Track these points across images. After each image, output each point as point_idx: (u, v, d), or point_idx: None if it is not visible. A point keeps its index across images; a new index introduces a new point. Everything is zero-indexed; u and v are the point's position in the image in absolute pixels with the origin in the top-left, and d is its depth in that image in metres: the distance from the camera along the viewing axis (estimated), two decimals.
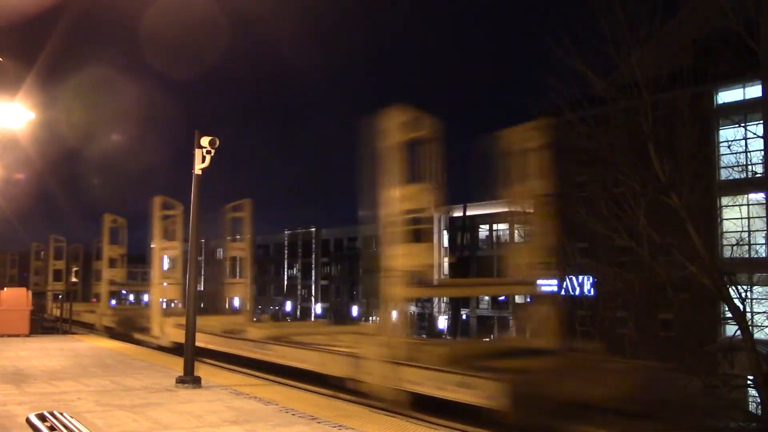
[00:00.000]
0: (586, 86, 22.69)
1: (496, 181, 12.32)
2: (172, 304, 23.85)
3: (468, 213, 61.00)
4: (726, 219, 30.90)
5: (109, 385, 11.98)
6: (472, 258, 61.27)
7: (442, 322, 67.07)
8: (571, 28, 26.74)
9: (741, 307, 20.99)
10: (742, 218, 30.97)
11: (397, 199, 11.09)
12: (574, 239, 25.45)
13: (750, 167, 28.68)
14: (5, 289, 24.61)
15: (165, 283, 21.80)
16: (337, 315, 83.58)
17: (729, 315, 22.35)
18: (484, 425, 9.26)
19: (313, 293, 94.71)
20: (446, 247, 74.67)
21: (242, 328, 17.78)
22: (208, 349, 16.32)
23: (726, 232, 30.58)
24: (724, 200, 30.66)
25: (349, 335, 14.77)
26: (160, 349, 19.53)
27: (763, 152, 28.15)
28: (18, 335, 21.60)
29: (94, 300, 35.73)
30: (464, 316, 62.42)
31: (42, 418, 7.81)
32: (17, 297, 22.57)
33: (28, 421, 7.88)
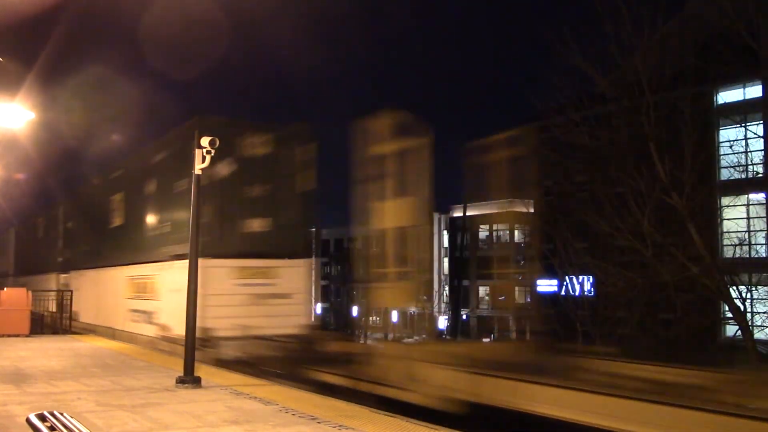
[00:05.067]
0: (589, 84, 22.72)
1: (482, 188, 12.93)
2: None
3: (469, 213, 61.00)
4: (727, 219, 30.86)
5: (109, 385, 11.95)
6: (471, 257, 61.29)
7: (443, 322, 67.01)
8: (573, 26, 26.76)
9: (741, 307, 20.98)
10: (743, 218, 30.94)
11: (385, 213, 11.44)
12: (575, 238, 25.40)
13: (751, 167, 28.65)
14: (5, 289, 24.64)
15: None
16: (337, 315, 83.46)
17: (729, 315, 22.34)
18: (484, 430, 9.33)
19: (313, 293, 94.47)
20: (446, 247, 74.61)
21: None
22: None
23: (727, 232, 30.54)
24: (725, 200, 30.61)
25: None
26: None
27: (763, 152, 28.12)
28: (18, 335, 21.62)
29: None
30: (464, 317, 62.38)
31: (42, 418, 7.77)
32: (17, 297, 22.64)
33: (28, 421, 7.84)
